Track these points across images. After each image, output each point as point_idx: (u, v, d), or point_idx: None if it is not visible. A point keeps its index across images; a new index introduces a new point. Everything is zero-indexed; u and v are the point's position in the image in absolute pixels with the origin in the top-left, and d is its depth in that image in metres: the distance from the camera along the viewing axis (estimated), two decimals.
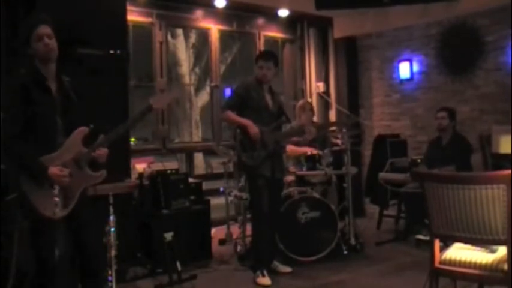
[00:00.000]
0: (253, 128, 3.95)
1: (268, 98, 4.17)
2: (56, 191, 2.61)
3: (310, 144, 4.71)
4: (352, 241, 4.75)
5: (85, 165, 2.75)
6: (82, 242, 2.80)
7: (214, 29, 6.25)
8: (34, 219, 2.68)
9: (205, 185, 5.16)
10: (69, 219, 2.71)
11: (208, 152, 7.37)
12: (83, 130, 2.73)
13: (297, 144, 4.72)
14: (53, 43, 2.69)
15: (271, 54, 4.27)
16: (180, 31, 10.58)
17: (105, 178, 2.85)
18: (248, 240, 4.60)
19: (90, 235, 2.86)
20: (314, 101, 6.86)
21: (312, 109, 5.20)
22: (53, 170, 2.60)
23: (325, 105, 7.08)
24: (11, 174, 3.08)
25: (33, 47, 2.67)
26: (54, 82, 2.75)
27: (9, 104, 2.64)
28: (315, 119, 5.52)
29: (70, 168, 2.68)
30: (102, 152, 2.74)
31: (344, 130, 4.95)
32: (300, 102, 5.39)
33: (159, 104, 2.89)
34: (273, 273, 4.11)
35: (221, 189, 5.17)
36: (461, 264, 2.61)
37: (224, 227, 5.18)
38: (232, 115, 4.07)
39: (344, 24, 6.69)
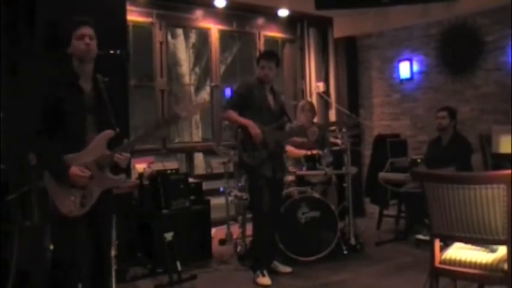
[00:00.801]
0: (255, 129, 3.95)
1: (270, 98, 4.16)
2: (74, 190, 2.65)
3: (312, 145, 4.69)
4: (352, 241, 4.75)
5: (106, 168, 2.76)
6: (98, 242, 2.81)
7: (214, 29, 6.25)
8: (52, 214, 2.72)
9: (205, 185, 5.16)
10: (88, 218, 2.72)
11: (208, 152, 7.36)
12: (108, 133, 2.74)
13: (301, 145, 4.70)
14: (93, 44, 2.72)
15: (273, 54, 4.26)
16: (180, 31, 10.59)
17: None
18: (248, 240, 4.61)
19: (105, 237, 2.87)
20: (314, 101, 6.84)
21: (312, 110, 5.13)
22: (74, 170, 2.63)
23: (325, 105, 7.08)
24: (25, 170, 3.10)
25: (73, 45, 2.69)
26: (90, 82, 2.77)
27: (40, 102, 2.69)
28: (315, 119, 5.49)
29: (92, 169, 2.69)
30: (124, 156, 2.74)
31: (344, 130, 4.95)
32: (301, 103, 5.38)
33: (185, 113, 2.89)
34: (273, 273, 4.11)
35: (221, 189, 5.17)
36: (461, 264, 2.61)
37: (224, 227, 5.18)
38: (233, 115, 4.06)
39: (344, 24, 6.70)
